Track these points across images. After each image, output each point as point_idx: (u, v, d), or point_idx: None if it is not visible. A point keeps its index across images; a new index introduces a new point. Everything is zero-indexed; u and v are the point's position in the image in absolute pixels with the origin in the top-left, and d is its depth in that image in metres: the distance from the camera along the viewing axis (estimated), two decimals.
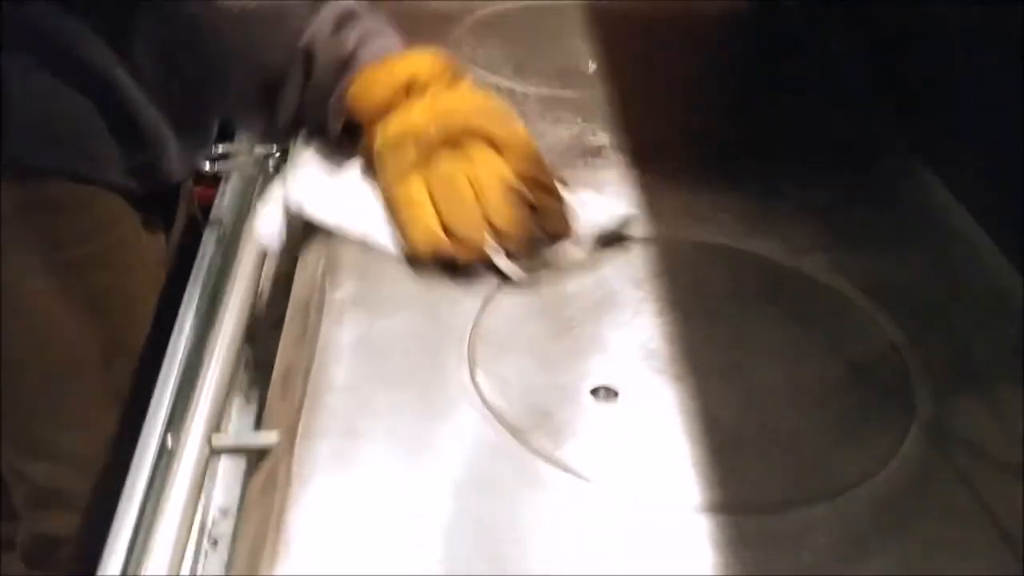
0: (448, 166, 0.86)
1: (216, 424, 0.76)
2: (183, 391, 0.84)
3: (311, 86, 0.88)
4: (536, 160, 0.88)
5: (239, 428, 0.85)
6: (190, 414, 0.76)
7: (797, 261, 0.93)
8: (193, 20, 0.89)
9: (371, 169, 0.89)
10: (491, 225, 0.85)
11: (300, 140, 0.95)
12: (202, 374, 0.79)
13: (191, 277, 0.97)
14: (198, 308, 0.94)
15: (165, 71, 1.01)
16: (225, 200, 1.04)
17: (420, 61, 0.88)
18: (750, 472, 0.73)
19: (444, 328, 0.83)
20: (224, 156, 1.05)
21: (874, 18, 1.18)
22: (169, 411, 0.83)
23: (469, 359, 0.80)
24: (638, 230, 0.94)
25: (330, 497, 0.69)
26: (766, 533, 0.69)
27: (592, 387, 0.78)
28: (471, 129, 0.86)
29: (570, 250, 0.89)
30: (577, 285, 0.89)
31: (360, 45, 0.88)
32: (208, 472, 0.77)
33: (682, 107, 1.18)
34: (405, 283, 0.87)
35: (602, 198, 0.94)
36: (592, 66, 1.24)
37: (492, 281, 0.87)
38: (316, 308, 0.84)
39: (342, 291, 0.85)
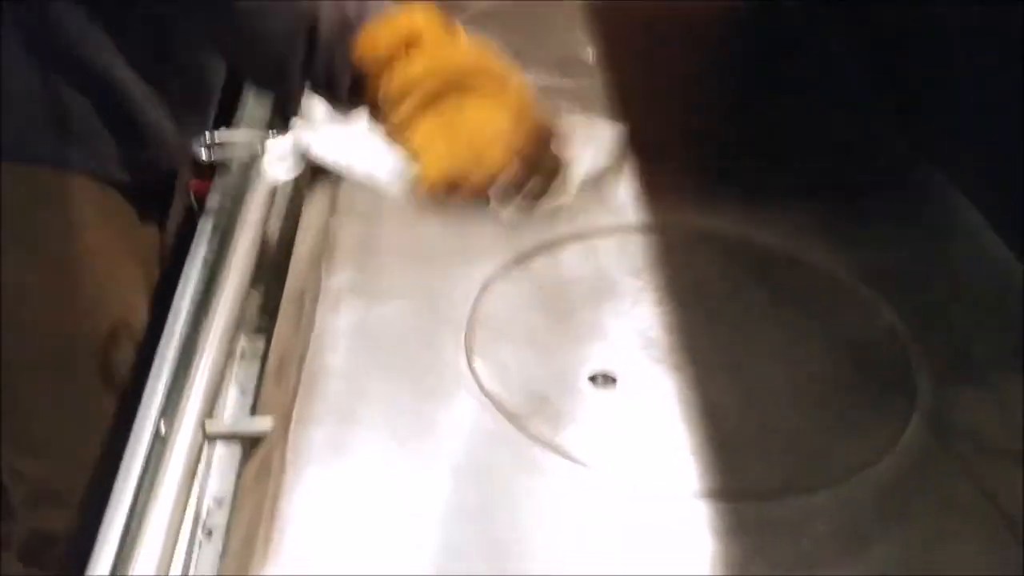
0: (449, 113, 0.88)
1: (210, 410, 0.76)
2: (178, 379, 0.83)
3: (319, 49, 0.89)
4: (530, 107, 0.90)
5: (234, 416, 0.84)
6: (183, 400, 0.75)
7: (797, 251, 0.92)
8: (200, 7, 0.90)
9: (377, 119, 0.91)
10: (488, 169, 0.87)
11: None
12: (196, 360, 0.78)
13: (186, 265, 0.97)
14: (193, 296, 0.93)
15: (162, 58, 1.01)
16: (221, 188, 1.03)
17: (418, 15, 0.90)
18: (749, 459, 0.72)
19: (441, 315, 0.82)
20: (221, 145, 1.04)
21: (874, 18, 1.18)
22: (164, 399, 0.82)
23: (466, 346, 0.79)
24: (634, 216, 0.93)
25: (325, 484, 0.68)
26: (765, 520, 0.68)
27: (590, 374, 0.78)
28: (469, 78, 0.89)
29: (559, 194, 0.90)
30: (576, 273, 0.88)
31: (360, 10, 0.90)
32: (203, 462, 0.76)
33: (681, 105, 1.17)
34: (401, 271, 0.86)
35: (591, 146, 0.95)
36: (591, 55, 1.23)
37: (489, 268, 0.86)
38: (311, 296, 0.83)
39: (338, 279, 0.85)
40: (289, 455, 0.69)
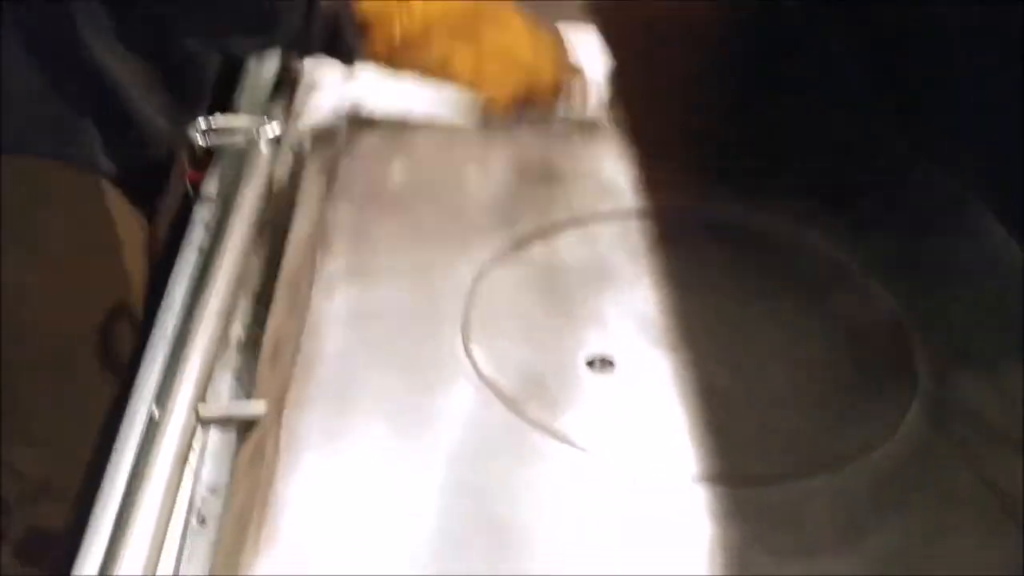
0: (482, 39, 0.99)
1: (203, 394, 0.75)
2: (172, 365, 0.82)
3: (318, 8, 0.94)
4: (536, 23, 1.02)
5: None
6: (176, 383, 0.74)
7: (797, 236, 0.91)
8: None
9: (390, 64, 1.00)
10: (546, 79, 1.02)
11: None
12: (189, 343, 0.77)
13: (180, 252, 0.96)
14: (188, 283, 0.92)
15: (153, 47, 1.00)
16: (217, 174, 1.02)
17: None
18: (748, 445, 0.72)
19: (438, 300, 0.81)
20: (218, 131, 1.03)
21: (874, 18, 1.17)
22: (157, 385, 0.82)
23: (463, 330, 0.78)
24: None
25: (319, 469, 0.68)
26: (764, 506, 0.67)
27: (588, 358, 0.77)
28: (479, 7, 0.99)
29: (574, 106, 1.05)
30: (573, 258, 0.87)
31: None
32: (198, 449, 0.75)
33: (681, 102, 1.16)
34: (397, 256, 0.86)
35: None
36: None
37: (486, 254, 0.86)
38: (307, 281, 0.83)
39: (334, 264, 0.84)
40: (283, 439, 0.69)
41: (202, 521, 0.74)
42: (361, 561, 0.63)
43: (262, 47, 1.10)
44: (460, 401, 0.73)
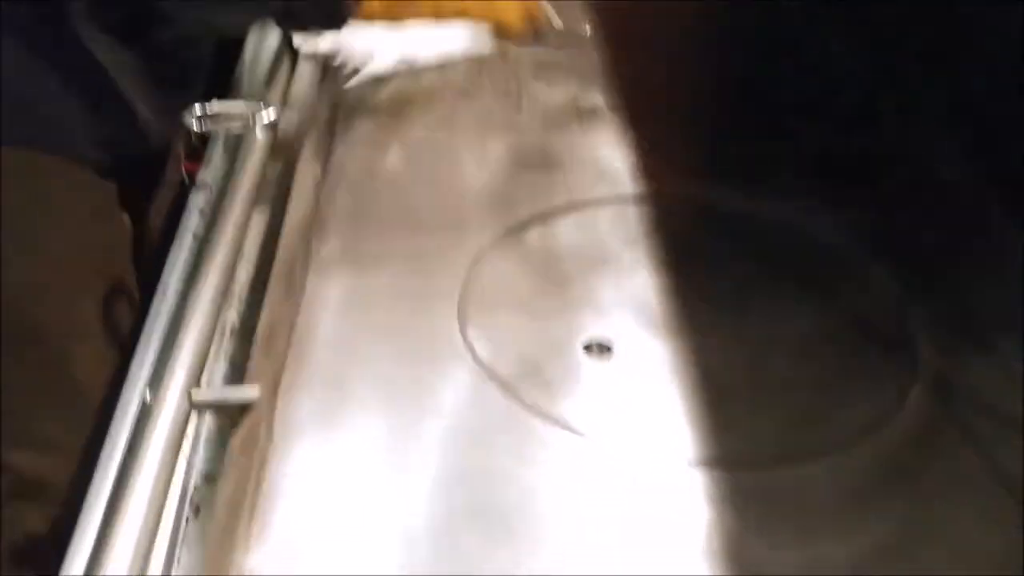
0: None
1: (196, 380, 0.74)
2: (165, 351, 0.82)
3: None
4: None
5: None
6: (170, 368, 0.73)
7: (796, 221, 0.91)
8: None
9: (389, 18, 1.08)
10: None
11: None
12: (182, 329, 0.76)
13: (175, 238, 0.95)
14: (182, 269, 0.91)
15: (142, 37, 1.00)
16: (213, 160, 1.01)
17: None
18: (748, 428, 0.71)
19: (434, 285, 0.81)
20: (213, 117, 1.03)
21: (874, 18, 1.16)
22: (151, 371, 0.81)
23: (460, 315, 0.78)
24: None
25: (313, 454, 0.67)
26: (764, 489, 0.67)
27: (585, 343, 0.76)
28: None
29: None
30: (571, 243, 0.87)
31: None
32: (192, 437, 0.74)
33: (679, 92, 1.16)
34: (393, 240, 0.85)
35: None
36: (588, 32, 1.22)
37: (483, 239, 0.85)
38: (302, 265, 0.82)
39: (329, 248, 0.84)
40: (277, 423, 0.68)
41: (196, 510, 0.74)
42: (356, 547, 0.62)
43: (250, 20, 1.09)
44: (457, 386, 0.73)
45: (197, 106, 1.03)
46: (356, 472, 0.66)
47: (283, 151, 1.00)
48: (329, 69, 1.13)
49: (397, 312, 0.78)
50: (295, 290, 0.79)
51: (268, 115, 1.01)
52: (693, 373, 0.74)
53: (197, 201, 0.96)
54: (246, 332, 0.84)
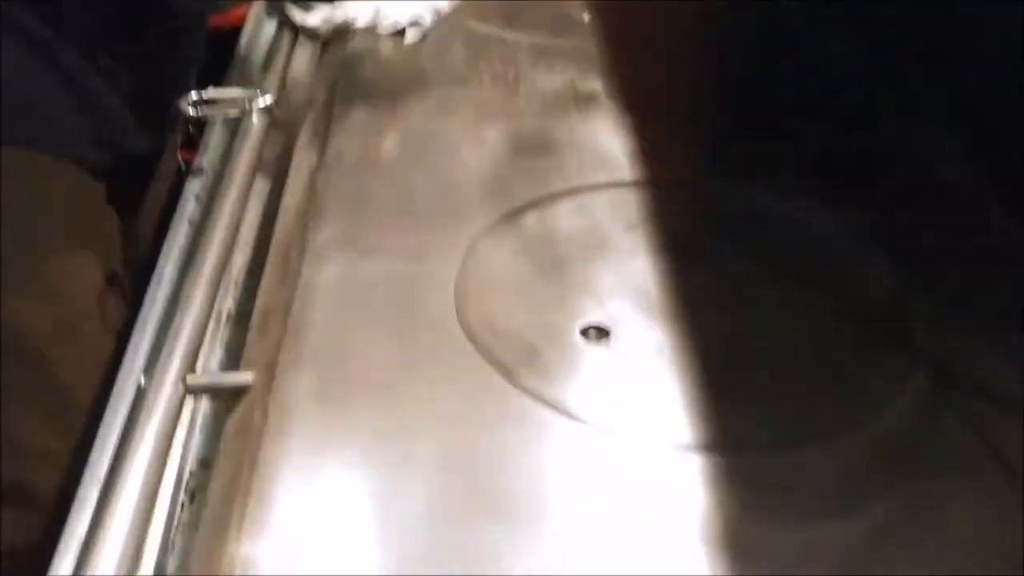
0: None
1: (191, 365, 0.74)
2: (160, 337, 0.81)
3: None
4: None
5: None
6: (164, 353, 0.73)
7: (794, 206, 0.90)
8: None
9: None
10: None
11: None
12: (178, 314, 0.76)
13: (171, 225, 0.94)
14: (178, 256, 0.91)
15: (127, 35, 1.00)
16: (209, 146, 1.01)
17: None
18: (745, 413, 0.71)
19: (430, 269, 0.80)
20: (209, 102, 1.02)
21: (874, 18, 1.16)
22: (146, 358, 0.80)
23: (456, 300, 0.77)
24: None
25: (308, 438, 0.66)
26: (761, 474, 0.66)
27: (583, 328, 0.76)
28: None
29: None
30: (568, 229, 0.86)
31: None
32: (188, 424, 0.74)
33: (680, 81, 1.15)
34: (389, 226, 0.85)
35: None
36: (586, 18, 1.21)
37: (479, 224, 0.85)
38: (298, 250, 0.82)
39: (324, 233, 0.83)
40: (272, 408, 0.67)
41: (191, 496, 0.73)
42: (352, 532, 0.61)
43: None
44: (453, 371, 0.72)
45: (193, 92, 1.03)
46: (351, 456, 0.66)
47: (280, 137, 0.99)
48: (326, 54, 1.12)
49: (393, 297, 0.78)
50: (291, 275, 0.78)
51: (264, 101, 1.00)
52: (691, 358, 0.73)
53: (193, 187, 0.96)
54: (242, 319, 0.84)
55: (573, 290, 0.80)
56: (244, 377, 0.71)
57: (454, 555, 0.60)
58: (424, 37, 1.16)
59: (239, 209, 0.89)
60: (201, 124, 1.05)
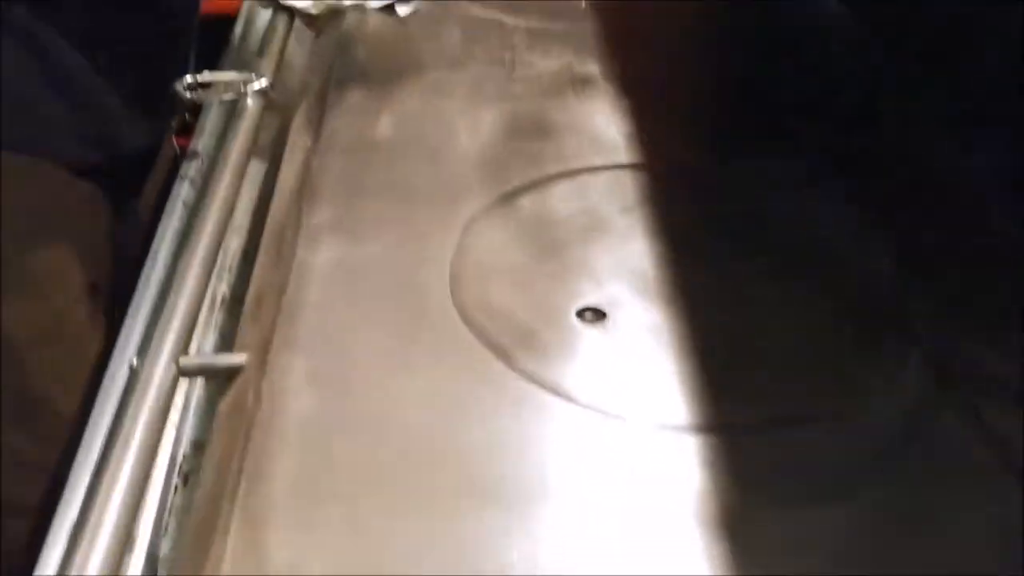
0: None
1: (185, 346, 0.73)
2: (154, 320, 0.81)
3: None
4: None
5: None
6: (158, 335, 0.72)
7: (794, 191, 0.90)
8: None
9: None
10: None
11: None
12: (172, 295, 0.75)
13: (166, 208, 0.94)
14: (172, 239, 0.90)
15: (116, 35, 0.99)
16: (205, 129, 1.00)
17: None
18: (740, 396, 0.70)
19: (425, 252, 0.80)
20: (205, 86, 1.02)
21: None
22: (140, 340, 0.80)
23: (451, 282, 0.77)
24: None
25: (301, 419, 0.66)
26: (757, 456, 0.66)
27: (579, 309, 0.75)
28: None
29: None
30: (564, 211, 0.86)
31: None
32: (182, 407, 0.73)
33: (678, 66, 1.14)
34: (384, 208, 0.84)
35: None
36: (583, 3, 1.20)
37: (475, 206, 0.84)
38: (292, 233, 0.81)
39: (319, 215, 0.83)
40: (265, 389, 0.67)
41: (185, 479, 0.73)
42: (345, 515, 0.61)
43: None
44: (449, 353, 0.72)
45: (188, 76, 1.02)
46: (345, 438, 0.65)
47: (275, 119, 0.99)
48: (321, 37, 1.12)
49: (388, 279, 0.77)
50: (285, 257, 0.78)
51: (260, 83, 1.00)
52: (687, 340, 0.73)
53: (188, 170, 0.95)
54: (237, 304, 0.83)
55: (570, 272, 0.79)
56: (237, 358, 0.70)
57: (450, 538, 0.60)
58: (415, 11, 1.15)
59: (234, 191, 0.88)
60: (197, 109, 1.04)
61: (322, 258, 0.78)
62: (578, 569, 0.59)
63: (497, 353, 0.71)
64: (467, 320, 0.73)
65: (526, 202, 0.86)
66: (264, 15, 1.17)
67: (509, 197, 0.86)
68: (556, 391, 0.69)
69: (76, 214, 1.02)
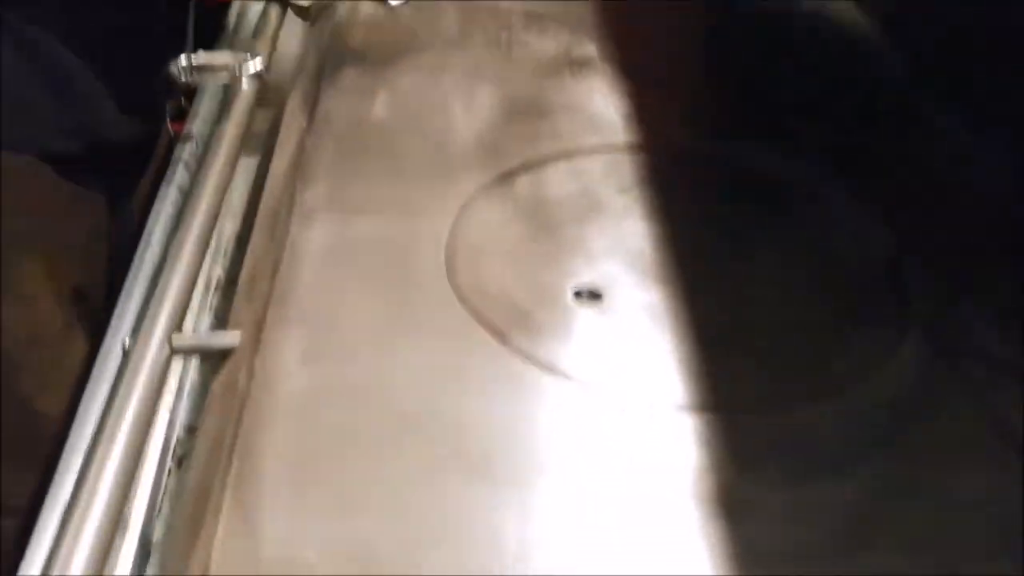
0: None
1: (178, 325, 0.72)
2: (147, 301, 0.80)
3: None
4: None
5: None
6: (151, 315, 0.71)
7: (790, 168, 0.89)
8: None
9: None
10: None
11: None
12: (164, 275, 0.75)
13: (160, 190, 0.93)
14: (166, 221, 0.89)
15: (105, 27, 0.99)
16: (200, 111, 1.00)
17: None
18: (737, 373, 0.70)
19: (420, 232, 0.79)
20: (200, 68, 1.01)
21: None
22: (134, 319, 0.79)
23: (447, 260, 0.76)
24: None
25: (295, 399, 0.65)
26: (755, 434, 0.66)
27: (575, 289, 0.75)
28: None
29: None
30: (560, 191, 0.85)
31: None
32: (176, 389, 0.73)
33: (674, 44, 1.14)
34: (379, 188, 0.84)
35: None
36: None
37: (471, 186, 0.84)
38: (286, 212, 0.80)
39: (313, 195, 0.82)
40: (258, 368, 0.66)
41: (179, 462, 0.72)
42: (338, 493, 0.61)
43: None
44: (445, 332, 0.71)
45: (183, 57, 1.02)
46: (339, 417, 0.65)
47: (270, 101, 0.98)
48: (316, 21, 1.11)
49: (383, 258, 0.77)
50: (279, 237, 0.77)
51: (255, 65, 0.99)
52: (683, 319, 0.73)
53: (182, 153, 0.95)
54: (231, 287, 0.83)
55: (565, 252, 0.79)
56: (231, 337, 0.70)
57: (445, 516, 0.59)
58: (406, 1, 1.14)
59: (228, 173, 0.87)
60: (191, 93, 1.04)
61: (316, 236, 0.78)
62: (573, 546, 0.58)
63: (492, 332, 0.71)
64: (462, 299, 0.73)
65: (522, 182, 0.85)
66: (256, 7, 1.16)
67: (505, 177, 0.85)
68: (551, 370, 0.68)
69: (63, 217, 1.01)
